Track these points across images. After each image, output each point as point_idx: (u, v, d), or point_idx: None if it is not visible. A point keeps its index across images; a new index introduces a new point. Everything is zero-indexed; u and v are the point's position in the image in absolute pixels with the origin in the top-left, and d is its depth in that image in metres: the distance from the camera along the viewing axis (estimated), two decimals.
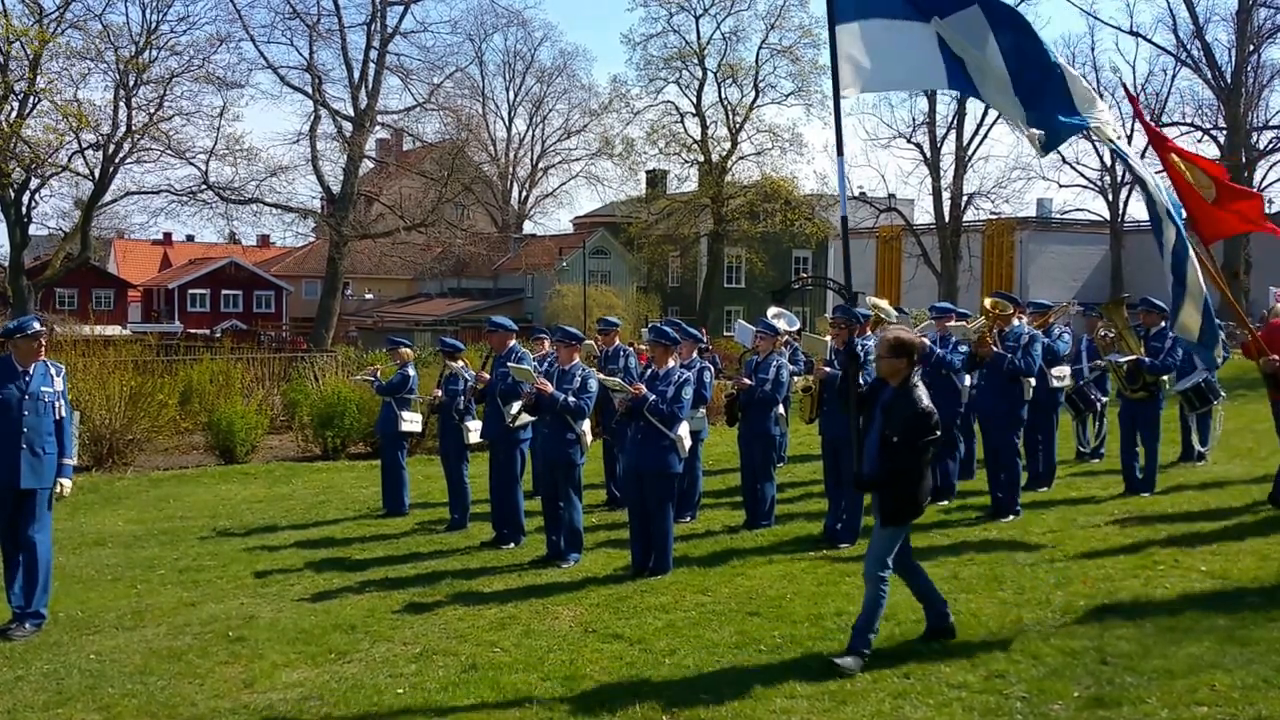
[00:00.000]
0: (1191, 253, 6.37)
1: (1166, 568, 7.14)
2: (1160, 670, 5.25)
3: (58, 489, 6.91)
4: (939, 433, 5.59)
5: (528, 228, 61.18)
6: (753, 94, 41.92)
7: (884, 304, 11.94)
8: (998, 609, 6.41)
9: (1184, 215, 6.63)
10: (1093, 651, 5.56)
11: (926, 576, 5.94)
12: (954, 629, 5.87)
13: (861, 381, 8.60)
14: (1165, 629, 5.87)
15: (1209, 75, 34.74)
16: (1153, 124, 8.73)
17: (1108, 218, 40.73)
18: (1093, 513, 9.17)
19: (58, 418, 6.91)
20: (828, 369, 8.56)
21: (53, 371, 6.95)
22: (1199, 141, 36.61)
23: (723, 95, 42.05)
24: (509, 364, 8.81)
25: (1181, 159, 7.68)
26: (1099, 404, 11.48)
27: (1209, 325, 6.20)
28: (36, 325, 6.98)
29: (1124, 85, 9.22)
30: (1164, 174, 7.73)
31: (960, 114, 39.17)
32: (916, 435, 5.52)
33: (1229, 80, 34.07)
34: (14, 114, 30.58)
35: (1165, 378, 9.76)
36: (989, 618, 6.25)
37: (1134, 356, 9.69)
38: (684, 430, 7.94)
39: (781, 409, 9.51)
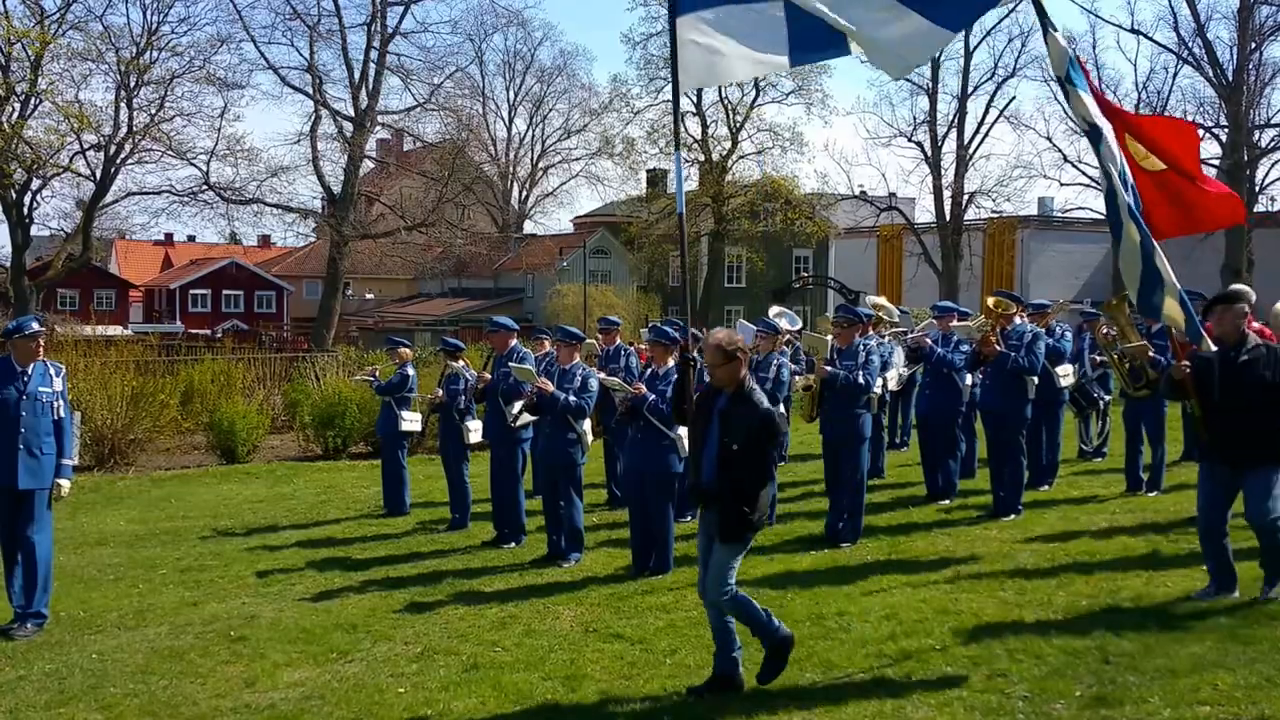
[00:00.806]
0: (1158, 247, 6.21)
1: (1169, 566, 7.14)
2: (1162, 669, 5.24)
3: (56, 490, 6.90)
4: (782, 435, 5.26)
5: (528, 227, 61.21)
6: (753, 93, 41.88)
7: (886, 303, 11.94)
8: (999, 608, 6.41)
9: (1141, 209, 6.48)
10: (1095, 650, 5.56)
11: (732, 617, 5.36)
12: (742, 683, 5.30)
13: (865, 380, 8.65)
14: (1167, 628, 5.87)
15: (1210, 73, 34.72)
16: (1114, 103, 8.08)
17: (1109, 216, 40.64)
18: (1095, 512, 9.16)
19: (56, 418, 6.90)
20: (829, 368, 8.57)
21: (52, 372, 6.94)
22: (1202, 140, 36.60)
23: (723, 94, 41.99)
24: (510, 364, 8.81)
25: (1142, 140, 7.00)
26: (1102, 402, 11.47)
27: (1191, 318, 6.09)
28: (35, 325, 6.97)
29: (1077, 58, 8.58)
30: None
31: (961, 113, 39.17)
32: (759, 441, 5.17)
33: (1230, 78, 34.05)
34: (15, 115, 30.58)
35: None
36: (991, 617, 6.25)
37: (1141, 343, 9.67)
38: (684, 430, 7.93)
39: (782, 408, 9.50)
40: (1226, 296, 6.40)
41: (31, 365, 6.86)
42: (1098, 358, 10.93)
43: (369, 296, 60.50)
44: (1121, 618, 6.08)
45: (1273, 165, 36.63)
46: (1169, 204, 6.81)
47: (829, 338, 9.01)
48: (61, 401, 6.95)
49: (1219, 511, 6.36)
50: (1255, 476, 6.15)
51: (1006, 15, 38.20)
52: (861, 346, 8.68)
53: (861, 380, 8.43)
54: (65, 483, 6.94)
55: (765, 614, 5.35)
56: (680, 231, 6.39)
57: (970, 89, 39.00)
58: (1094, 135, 6.02)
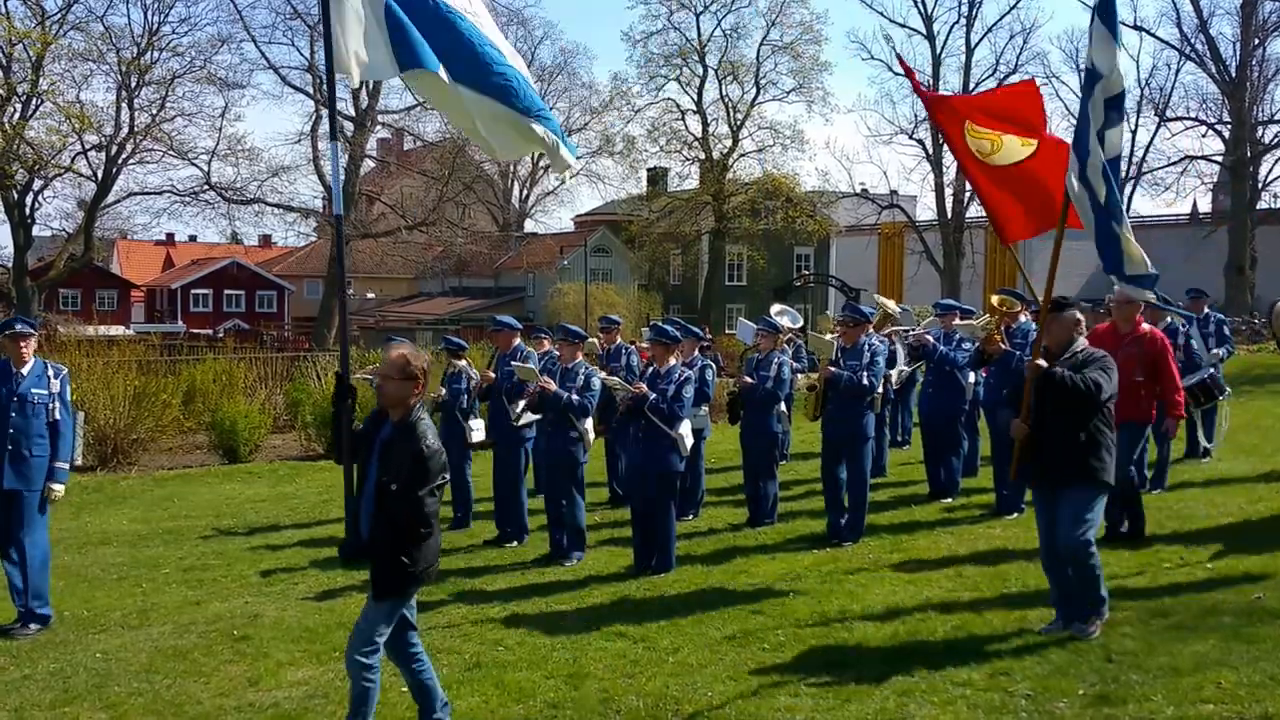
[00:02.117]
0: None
1: (1172, 565, 7.13)
2: (1166, 668, 5.24)
3: (49, 493, 6.82)
4: (443, 479, 4.59)
5: (529, 226, 61.17)
6: (754, 91, 41.93)
7: (889, 302, 11.92)
8: (1002, 606, 6.40)
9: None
10: (1098, 649, 5.55)
11: (430, 669, 4.93)
12: None
13: (869, 381, 8.64)
14: (1171, 626, 5.86)
15: (1213, 69, 34.71)
16: (927, 89, 7.71)
17: None
18: None
19: (51, 420, 6.82)
20: (833, 369, 8.56)
21: (50, 373, 6.89)
22: (1204, 136, 36.59)
23: (723, 92, 42.06)
24: (513, 363, 8.82)
25: (974, 132, 6.63)
26: None
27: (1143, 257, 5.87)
28: (18, 326, 6.94)
29: (898, 56, 8.19)
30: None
31: None
32: (417, 483, 4.50)
33: (1233, 74, 34.03)
34: (17, 116, 30.62)
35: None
36: (993, 615, 6.24)
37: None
38: (685, 428, 7.94)
39: (784, 407, 9.50)
40: (1055, 304, 6.04)
41: (27, 366, 6.85)
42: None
43: (370, 296, 60.51)
44: (1124, 616, 6.06)
45: (1276, 162, 36.74)
46: (1014, 205, 6.64)
47: (833, 339, 9.00)
48: (58, 404, 6.87)
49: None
50: (1065, 497, 5.76)
51: (1008, 12, 38.11)
52: (866, 346, 8.67)
53: (865, 381, 8.42)
54: (58, 486, 6.87)
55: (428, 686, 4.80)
56: (338, 234, 5.74)
57: (972, 85, 39.02)
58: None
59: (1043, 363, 5.76)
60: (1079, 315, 6.03)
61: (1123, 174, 39.73)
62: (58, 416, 6.88)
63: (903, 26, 55.65)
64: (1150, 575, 6.90)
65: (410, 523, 4.53)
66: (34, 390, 6.80)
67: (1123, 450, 7.44)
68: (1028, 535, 8.23)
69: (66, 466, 6.99)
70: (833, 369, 8.52)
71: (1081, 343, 5.94)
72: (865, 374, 8.44)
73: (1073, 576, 5.78)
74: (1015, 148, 6.63)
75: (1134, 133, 40.91)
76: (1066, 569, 5.80)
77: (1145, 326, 7.80)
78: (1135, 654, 5.45)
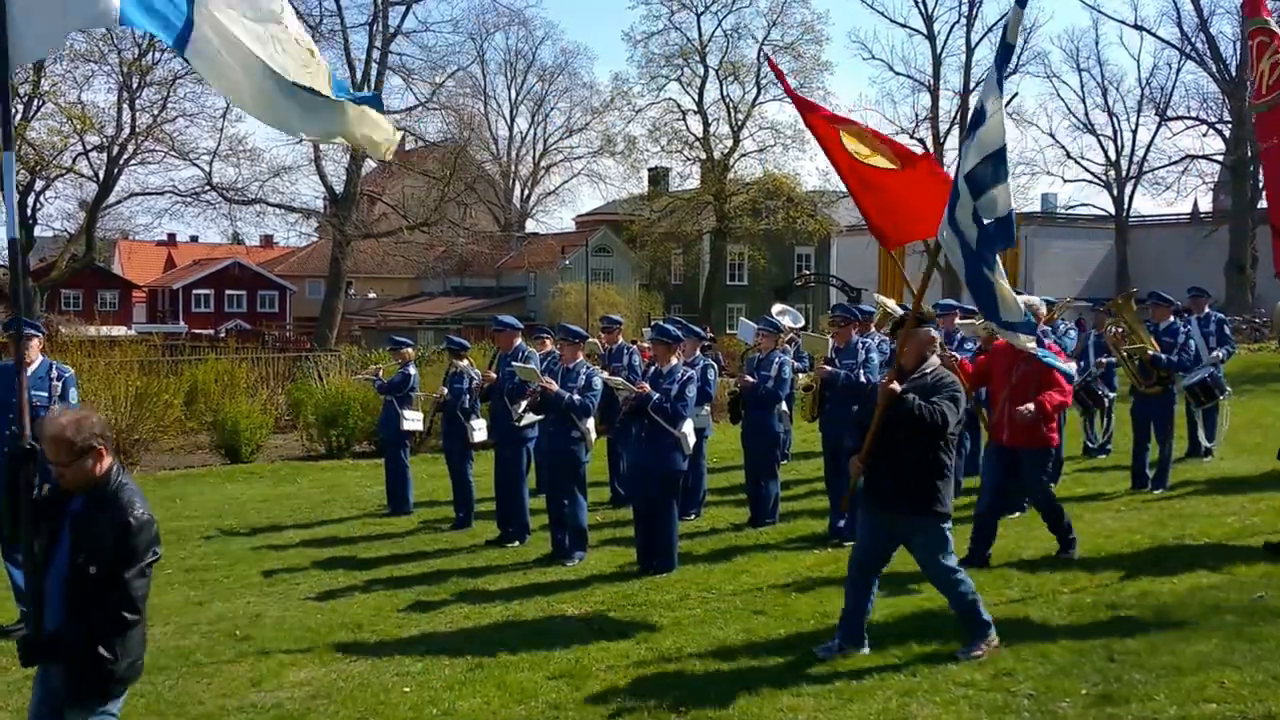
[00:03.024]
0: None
1: (1174, 564, 7.12)
2: (1168, 667, 5.23)
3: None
4: (154, 554, 3.92)
5: (530, 226, 61.20)
6: (754, 91, 41.92)
7: (889, 301, 11.91)
8: (1004, 606, 6.39)
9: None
10: (1100, 649, 5.55)
11: None
12: None
13: (866, 378, 8.63)
14: (1173, 626, 5.85)
15: (1214, 69, 34.70)
16: (799, 94, 7.45)
17: (1113, 213, 40.67)
18: (1100, 509, 9.15)
19: None
20: (829, 368, 8.56)
21: (53, 375, 6.85)
22: (1205, 135, 36.57)
23: (724, 92, 42.07)
24: (515, 364, 8.82)
25: (850, 134, 6.51)
26: (1106, 400, 11.45)
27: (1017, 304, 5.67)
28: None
29: (767, 57, 7.88)
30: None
31: (964, 109, 39.15)
32: (122, 562, 3.75)
33: (1234, 73, 34.01)
34: (19, 116, 30.56)
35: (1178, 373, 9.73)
36: (996, 615, 6.22)
37: (1141, 345, 9.66)
38: (688, 428, 7.94)
39: (785, 406, 9.50)
40: (903, 320, 5.74)
41: (32, 367, 6.83)
42: (1104, 359, 10.90)
43: (371, 296, 60.52)
44: (1127, 615, 6.07)
45: None
46: (892, 210, 6.45)
47: (828, 338, 9.00)
48: (57, 406, 6.71)
49: (870, 569, 5.70)
50: (915, 530, 5.55)
51: (1009, 12, 38.00)
52: (860, 344, 8.67)
53: (863, 378, 8.42)
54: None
55: None
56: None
57: (973, 85, 39.03)
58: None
59: (896, 386, 5.47)
60: (934, 332, 5.75)
61: (1122, 173, 39.54)
62: None
63: (903, 26, 55.74)
64: (1153, 574, 6.89)
65: (114, 612, 3.75)
66: (33, 392, 6.76)
67: (1032, 473, 7.35)
68: (1030, 534, 8.23)
69: None
70: (828, 368, 8.52)
71: (933, 362, 5.66)
72: (861, 371, 8.45)
73: (951, 606, 5.65)
74: (889, 159, 6.52)
75: (1135, 132, 41.00)
76: (868, 589, 5.66)
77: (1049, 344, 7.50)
78: (1138, 653, 5.45)
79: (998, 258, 5.57)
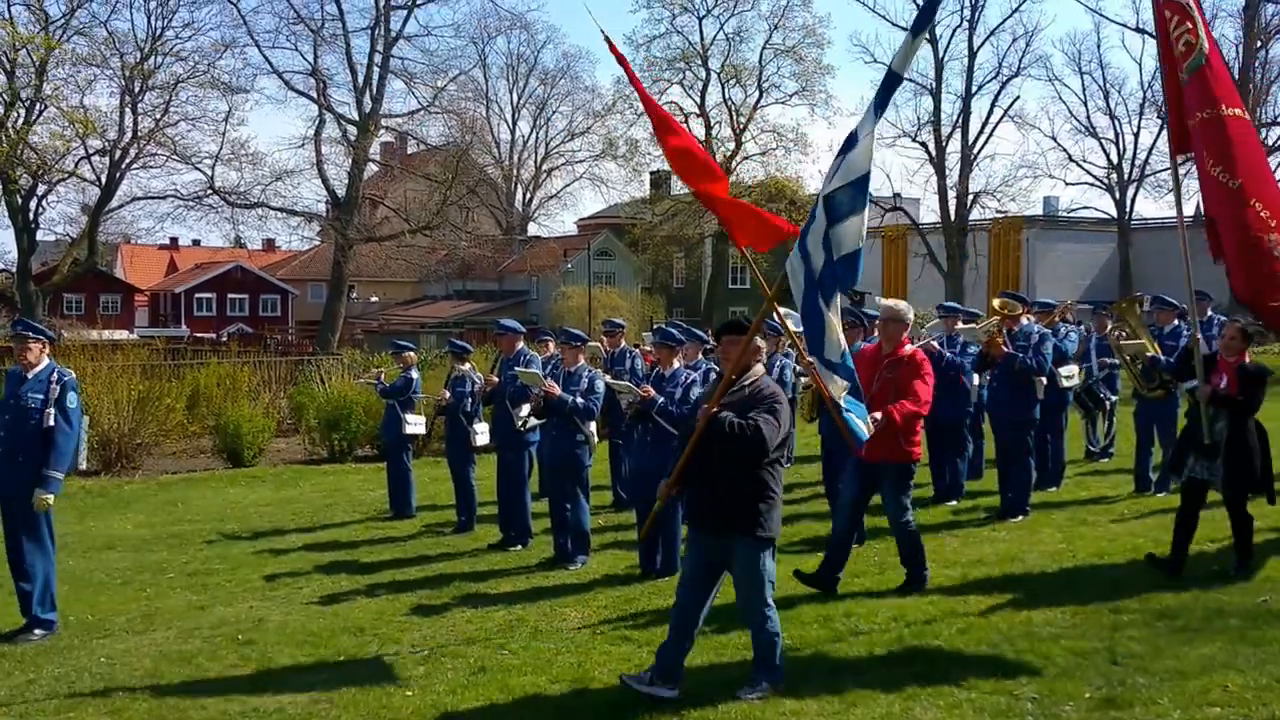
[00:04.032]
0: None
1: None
2: (1172, 671, 5.22)
3: (35, 500, 6.70)
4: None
5: (532, 230, 61.18)
6: (756, 94, 41.94)
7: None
8: (1008, 609, 6.38)
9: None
10: (1104, 652, 5.54)
11: None
12: None
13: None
14: (1177, 629, 5.84)
15: None
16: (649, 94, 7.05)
17: (1115, 216, 40.66)
18: (1103, 513, 9.14)
19: (46, 426, 6.72)
20: None
21: (54, 378, 6.83)
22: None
23: (726, 96, 42.07)
24: (517, 368, 8.82)
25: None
26: (1108, 403, 11.44)
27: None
28: (18, 330, 6.96)
29: (607, 41, 7.36)
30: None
31: (965, 113, 39.16)
32: None
33: (1236, 76, 33.98)
34: (21, 121, 30.67)
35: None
36: (999, 618, 6.23)
37: (1139, 342, 9.66)
38: None
39: (787, 408, 9.47)
40: (729, 326, 5.44)
41: (33, 371, 6.84)
42: (1106, 361, 10.90)
43: (373, 299, 60.56)
44: (1130, 619, 6.05)
45: (1279, 165, 36.55)
46: (741, 217, 6.13)
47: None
48: (54, 410, 6.75)
49: (698, 591, 5.28)
50: (731, 554, 5.21)
51: (1011, 15, 38.15)
52: (863, 348, 8.65)
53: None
54: (46, 496, 6.75)
55: None
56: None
57: (974, 88, 39.03)
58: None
59: (714, 410, 5.14)
60: (760, 341, 5.42)
61: (1124, 175, 39.45)
62: (51, 423, 6.74)
63: (905, 30, 55.58)
64: (1156, 578, 6.88)
65: None
66: (30, 394, 6.76)
67: (891, 491, 6.90)
68: (1033, 539, 8.23)
69: (58, 476, 6.80)
70: None
71: (756, 371, 5.36)
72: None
73: (754, 642, 5.27)
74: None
75: (1137, 135, 40.94)
76: (694, 618, 5.27)
77: (909, 348, 7.07)
78: (1141, 657, 5.44)
79: (836, 294, 5.28)
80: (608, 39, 6.73)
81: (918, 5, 39.84)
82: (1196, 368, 7.00)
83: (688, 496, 5.38)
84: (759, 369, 5.39)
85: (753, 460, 5.10)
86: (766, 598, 5.21)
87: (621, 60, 7.50)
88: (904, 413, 6.73)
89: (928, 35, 39.84)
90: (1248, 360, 6.95)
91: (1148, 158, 40.04)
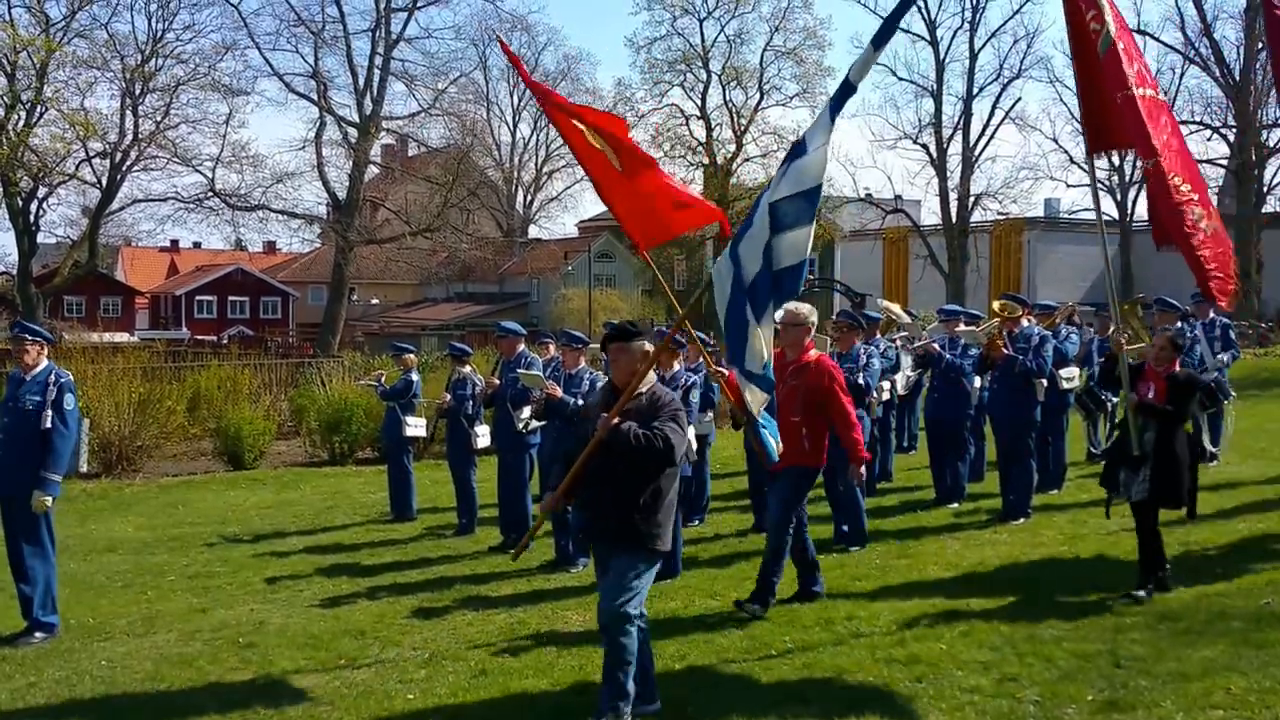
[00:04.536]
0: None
1: (1180, 570, 7.09)
2: (1175, 673, 5.21)
3: (33, 502, 6.69)
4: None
5: (533, 232, 61.21)
6: (757, 96, 41.95)
7: (894, 307, 11.92)
8: (1009, 612, 6.37)
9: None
10: (1106, 654, 5.53)
11: None
12: None
13: (864, 381, 8.63)
14: (1179, 632, 5.84)
15: (1217, 73, 34.66)
16: (540, 84, 7.30)
17: (1116, 218, 40.66)
18: (1104, 514, 9.10)
19: (44, 428, 6.70)
20: None
21: (51, 379, 6.82)
22: (1209, 140, 36.53)
23: (727, 98, 42.08)
24: (519, 370, 8.81)
25: (590, 127, 6.11)
26: (1110, 405, 11.43)
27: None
28: (15, 331, 6.99)
29: (502, 43, 7.51)
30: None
31: (967, 115, 39.18)
32: None
33: (1237, 78, 33.98)
34: (21, 123, 30.68)
35: None
36: (1001, 621, 6.22)
37: (1141, 345, 9.65)
38: (690, 434, 7.90)
39: None
40: (619, 333, 5.17)
41: (32, 372, 6.83)
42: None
43: (374, 302, 60.59)
44: (1133, 622, 6.05)
45: None
46: (644, 215, 6.15)
47: (826, 338, 9.00)
48: (51, 412, 6.73)
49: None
50: (616, 562, 4.96)
51: (1012, 17, 38.07)
52: (861, 350, 8.66)
53: (861, 381, 8.41)
54: (45, 497, 6.73)
55: None
56: None
57: (975, 91, 39.06)
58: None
59: (616, 421, 4.91)
60: (649, 346, 5.19)
61: (1126, 177, 39.46)
62: (49, 425, 6.72)
63: (906, 32, 55.58)
64: (1158, 580, 6.86)
65: None
66: (29, 396, 6.75)
67: (780, 499, 6.65)
68: (1035, 541, 8.22)
69: (56, 478, 6.78)
70: None
71: (651, 378, 5.13)
72: (861, 375, 8.43)
73: (605, 654, 4.90)
74: (614, 159, 6.15)
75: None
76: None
77: (813, 354, 6.77)
78: (1144, 659, 5.43)
79: (770, 306, 5.10)
80: (500, 40, 6.70)
81: (919, 8, 39.94)
82: (1122, 377, 6.73)
83: (583, 508, 5.11)
84: (652, 375, 5.18)
85: (658, 470, 4.92)
86: (633, 610, 4.85)
87: (513, 59, 7.50)
88: (854, 440, 6.73)
89: (928, 37, 39.87)
90: (1179, 370, 6.70)
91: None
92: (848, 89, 5.14)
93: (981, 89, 39.07)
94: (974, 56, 39.10)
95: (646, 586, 5.01)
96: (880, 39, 5.20)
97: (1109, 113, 6.52)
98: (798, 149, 5.09)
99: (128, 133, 32.99)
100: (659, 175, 6.15)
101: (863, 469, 7.02)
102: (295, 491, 13.09)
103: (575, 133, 6.11)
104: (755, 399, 5.16)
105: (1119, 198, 40.72)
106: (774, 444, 5.23)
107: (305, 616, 7.22)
